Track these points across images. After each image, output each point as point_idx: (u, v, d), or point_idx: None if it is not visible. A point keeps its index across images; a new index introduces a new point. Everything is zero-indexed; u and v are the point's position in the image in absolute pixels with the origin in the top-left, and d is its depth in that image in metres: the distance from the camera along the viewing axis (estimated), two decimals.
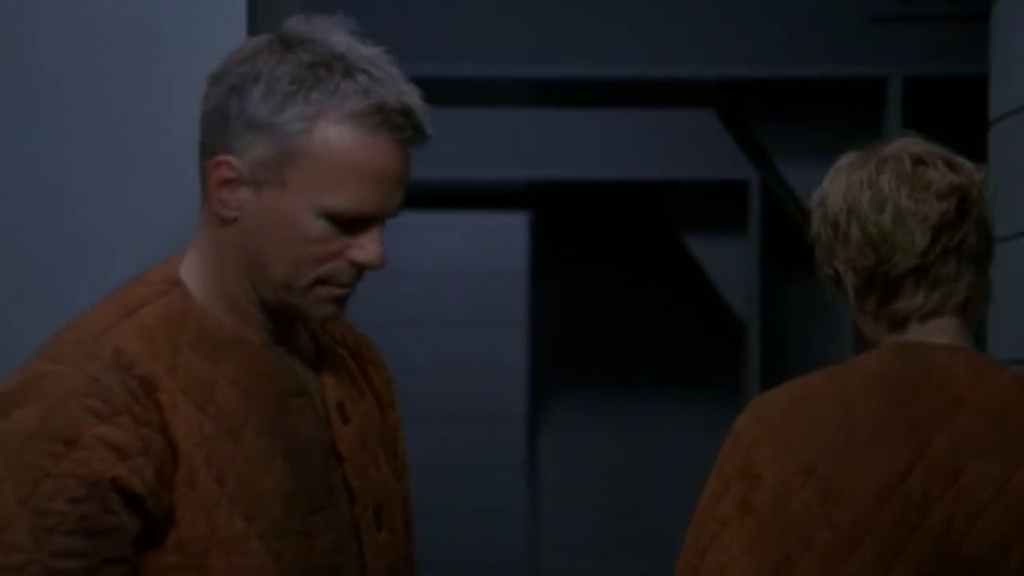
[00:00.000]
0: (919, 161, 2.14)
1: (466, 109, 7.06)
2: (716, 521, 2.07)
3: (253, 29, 2.81)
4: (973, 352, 2.14)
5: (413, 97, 1.74)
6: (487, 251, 8.74)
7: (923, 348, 2.12)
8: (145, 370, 1.70)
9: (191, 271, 1.80)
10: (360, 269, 1.77)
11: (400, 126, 1.73)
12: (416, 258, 8.61)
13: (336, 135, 1.72)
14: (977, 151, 3.82)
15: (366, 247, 1.75)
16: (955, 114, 6.10)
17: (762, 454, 2.06)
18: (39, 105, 2.81)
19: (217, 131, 1.74)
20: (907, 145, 2.17)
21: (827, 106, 6.53)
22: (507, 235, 8.82)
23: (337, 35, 1.74)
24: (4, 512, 1.63)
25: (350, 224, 1.74)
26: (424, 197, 7.77)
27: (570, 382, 9.04)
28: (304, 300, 1.77)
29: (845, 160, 2.18)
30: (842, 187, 2.14)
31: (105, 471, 1.64)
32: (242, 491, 1.71)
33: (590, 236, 8.94)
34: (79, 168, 2.82)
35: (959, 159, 2.18)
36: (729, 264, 7.84)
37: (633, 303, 8.96)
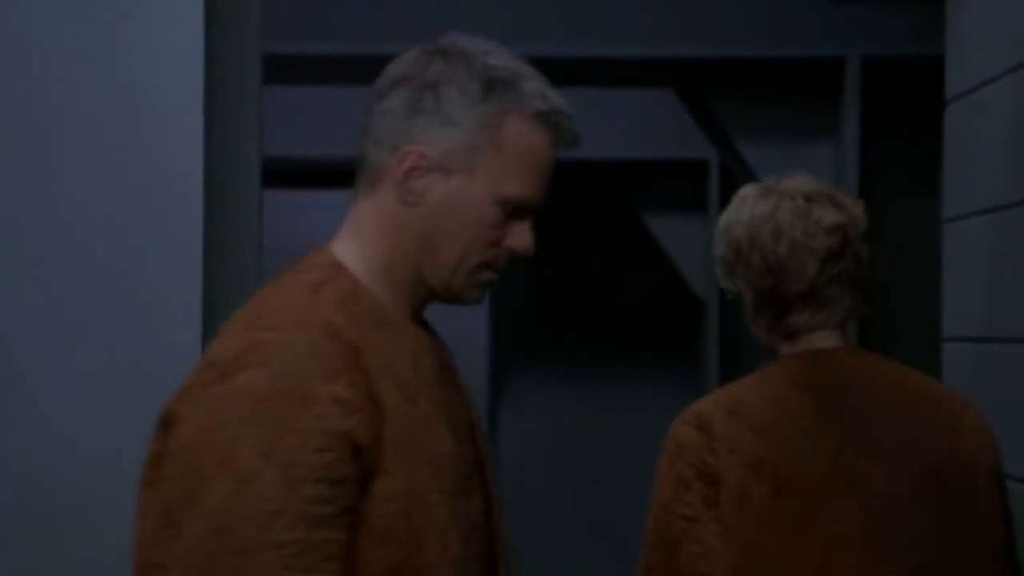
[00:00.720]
0: (810, 199, 2.51)
1: None
2: (682, 518, 2.42)
3: (210, 34, 2.86)
4: (863, 351, 2.56)
5: (566, 106, 1.97)
6: None
7: (824, 353, 2.51)
8: (350, 337, 1.86)
9: (352, 255, 1.96)
10: (511, 256, 1.97)
11: (568, 128, 1.96)
12: None
13: (521, 130, 1.93)
14: (933, 131, 3.85)
15: (522, 235, 1.96)
16: (912, 95, 6.15)
17: (713, 458, 2.42)
18: (18, 105, 2.83)
19: (405, 125, 1.93)
20: (799, 184, 2.53)
21: (786, 86, 6.56)
22: None
23: (499, 48, 1.96)
24: (248, 465, 1.77)
25: (515, 212, 1.95)
26: None
27: (532, 360, 9.07)
28: (466, 283, 1.97)
29: (749, 191, 2.56)
30: (746, 218, 2.52)
31: (339, 425, 1.80)
32: (425, 451, 1.88)
33: (551, 215, 8.96)
34: (59, 168, 2.84)
35: (842, 196, 2.55)
36: (689, 243, 7.87)
37: (594, 282, 8.99)
